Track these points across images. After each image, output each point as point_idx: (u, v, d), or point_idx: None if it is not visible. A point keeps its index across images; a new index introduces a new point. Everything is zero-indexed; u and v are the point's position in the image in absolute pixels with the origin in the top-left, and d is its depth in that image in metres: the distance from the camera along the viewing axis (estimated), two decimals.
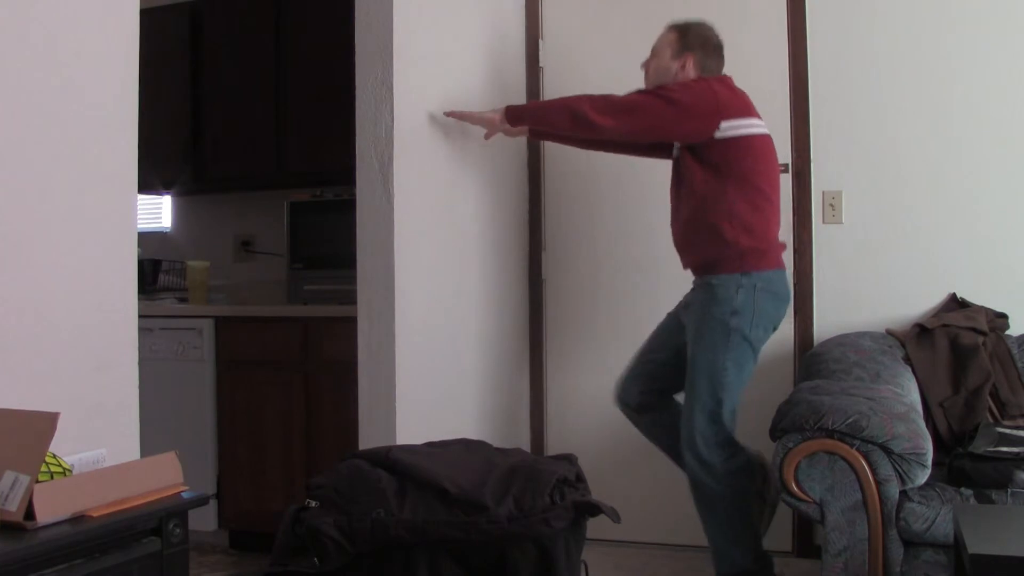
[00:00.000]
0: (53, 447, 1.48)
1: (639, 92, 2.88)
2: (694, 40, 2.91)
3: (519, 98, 3.70)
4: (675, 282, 3.37)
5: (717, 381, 2.74)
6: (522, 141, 3.70)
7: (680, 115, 2.77)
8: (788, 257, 3.44)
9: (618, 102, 2.81)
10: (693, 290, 2.92)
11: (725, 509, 2.76)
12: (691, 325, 2.84)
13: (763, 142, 2.84)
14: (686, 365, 2.81)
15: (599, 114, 2.79)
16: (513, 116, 3.01)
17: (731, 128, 2.76)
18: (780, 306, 2.85)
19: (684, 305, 2.95)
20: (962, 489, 2.43)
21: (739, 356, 2.76)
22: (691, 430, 2.76)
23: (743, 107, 2.82)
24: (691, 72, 2.89)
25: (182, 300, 4.13)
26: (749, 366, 2.80)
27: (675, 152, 2.96)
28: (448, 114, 3.02)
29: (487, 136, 3.13)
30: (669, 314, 3.03)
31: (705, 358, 2.76)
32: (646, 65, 3.01)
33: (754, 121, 2.82)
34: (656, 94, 2.81)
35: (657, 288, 3.55)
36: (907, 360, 3.07)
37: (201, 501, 1.66)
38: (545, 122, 3.06)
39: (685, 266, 2.96)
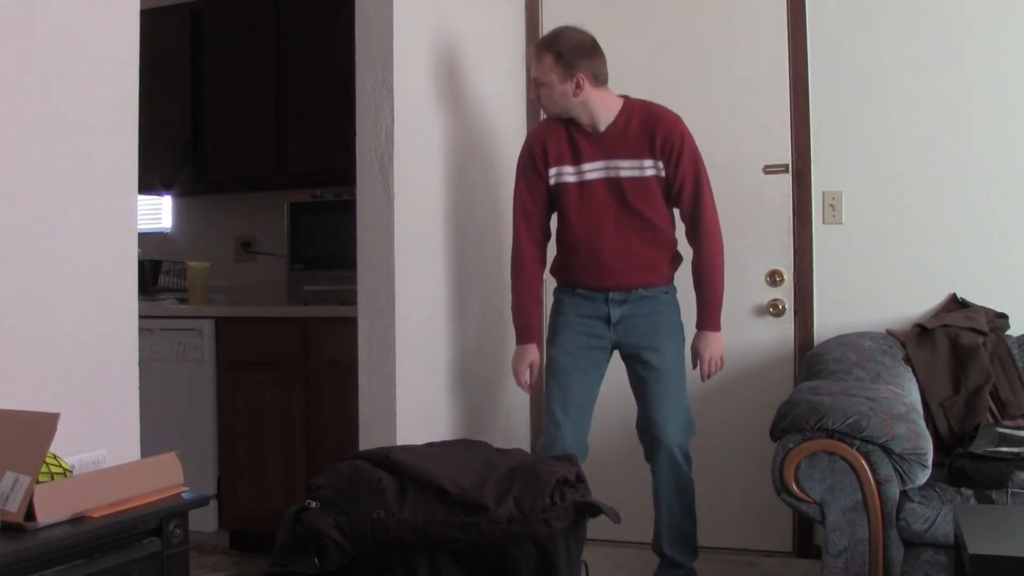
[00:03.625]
0: (53, 447, 1.48)
1: (711, 206, 2.88)
2: (574, 55, 2.80)
3: (519, 98, 3.71)
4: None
5: (684, 381, 2.90)
6: (522, 140, 3.69)
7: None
8: (788, 257, 3.47)
9: (719, 232, 2.88)
10: (630, 303, 2.89)
11: (693, 494, 2.91)
12: (650, 332, 2.88)
13: None
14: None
15: (720, 246, 2.89)
16: (717, 324, 2.94)
17: None
18: None
19: (617, 321, 2.90)
20: (962, 489, 2.43)
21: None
22: (677, 430, 2.84)
23: None
24: (590, 89, 2.80)
25: (182, 301, 4.13)
26: None
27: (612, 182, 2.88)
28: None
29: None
30: (581, 344, 2.93)
31: (678, 363, 2.90)
32: (535, 95, 2.93)
33: None
34: (709, 190, 2.88)
35: None
36: (907, 360, 3.07)
37: (201, 502, 1.66)
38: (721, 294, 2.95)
39: (636, 285, 2.90)
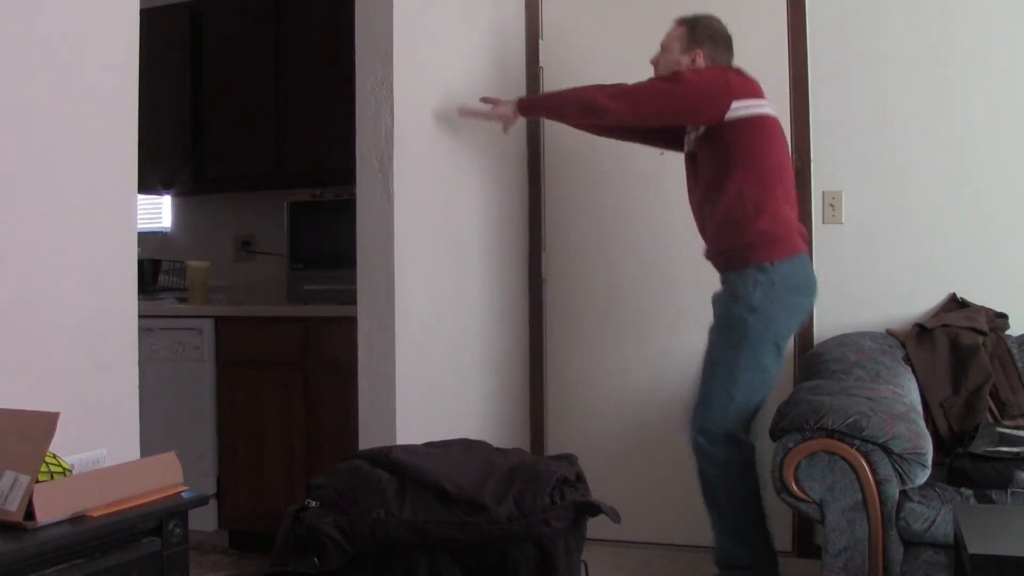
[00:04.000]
0: (53, 447, 1.48)
1: (651, 79, 2.91)
2: (703, 34, 2.93)
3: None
4: (674, 280, 3.38)
5: (732, 379, 2.75)
6: (522, 139, 3.70)
7: (692, 96, 2.78)
8: None
9: (630, 88, 2.84)
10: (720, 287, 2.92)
11: (725, 500, 2.78)
12: (714, 318, 2.86)
13: (772, 124, 2.85)
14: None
15: (611, 99, 2.81)
16: (526, 109, 3.06)
17: (742, 108, 2.76)
18: (804, 296, 2.85)
19: (713, 303, 2.92)
20: (962, 489, 2.43)
21: (757, 354, 2.76)
22: (697, 419, 2.79)
23: (753, 90, 2.83)
24: (701, 66, 2.91)
25: (182, 300, 4.13)
26: (768, 361, 2.78)
27: (687, 146, 2.97)
28: (461, 114, 3.03)
29: (506, 131, 3.14)
30: None
31: (722, 355, 2.79)
32: (655, 61, 3.02)
33: (763, 102, 2.83)
34: (668, 78, 2.85)
35: (660, 287, 3.56)
36: (907, 360, 3.07)
37: (201, 501, 1.66)
38: (558, 113, 3.13)
39: (707, 256, 2.95)
